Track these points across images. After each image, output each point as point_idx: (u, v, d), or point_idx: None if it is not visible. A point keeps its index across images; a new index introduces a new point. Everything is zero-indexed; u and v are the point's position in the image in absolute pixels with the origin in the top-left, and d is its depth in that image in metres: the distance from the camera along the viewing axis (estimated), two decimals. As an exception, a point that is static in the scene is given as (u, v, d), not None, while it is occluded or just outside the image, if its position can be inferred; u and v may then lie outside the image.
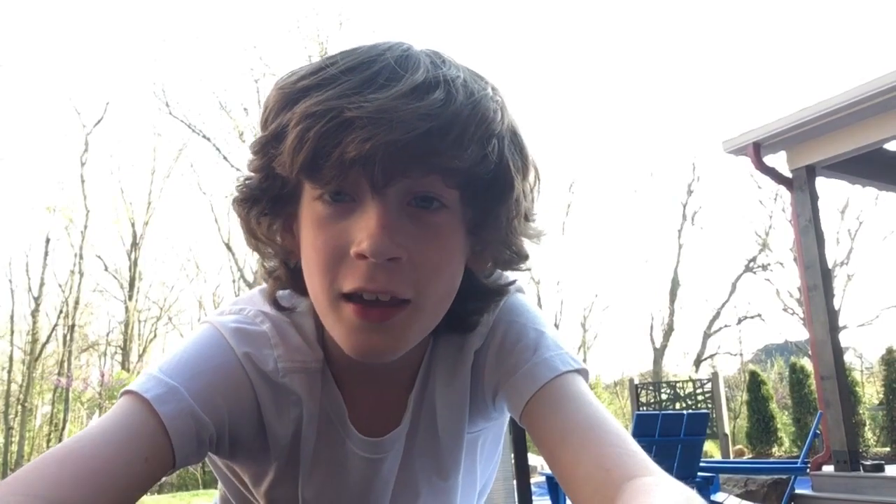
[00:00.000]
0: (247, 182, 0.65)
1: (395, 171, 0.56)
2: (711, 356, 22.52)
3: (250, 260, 22.77)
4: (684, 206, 22.26)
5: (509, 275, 0.76)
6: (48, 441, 18.31)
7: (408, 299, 0.59)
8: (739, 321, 22.12)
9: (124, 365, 19.79)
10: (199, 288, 23.89)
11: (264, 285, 0.73)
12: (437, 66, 0.59)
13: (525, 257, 0.69)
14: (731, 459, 11.00)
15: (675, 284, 22.39)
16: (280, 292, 0.71)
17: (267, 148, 0.60)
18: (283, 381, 0.68)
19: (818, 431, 5.80)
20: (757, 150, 5.80)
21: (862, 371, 14.09)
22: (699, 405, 12.28)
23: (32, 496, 0.51)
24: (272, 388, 0.68)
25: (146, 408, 0.60)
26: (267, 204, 0.65)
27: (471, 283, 0.69)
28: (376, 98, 0.55)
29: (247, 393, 0.67)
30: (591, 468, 0.58)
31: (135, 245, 21.17)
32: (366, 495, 0.74)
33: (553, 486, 5.01)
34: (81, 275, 19.80)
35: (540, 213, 0.68)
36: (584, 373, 0.70)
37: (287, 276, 0.69)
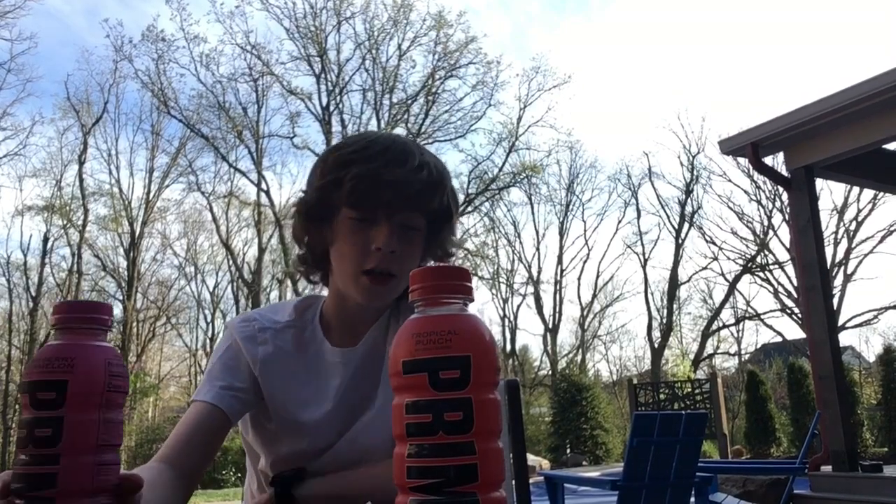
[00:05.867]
0: (306, 201, 1.14)
1: (401, 208, 1.09)
2: (710, 356, 22.55)
3: (249, 260, 22.75)
4: (683, 207, 22.29)
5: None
6: (47, 441, 18.27)
7: (395, 275, 1.10)
8: (738, 321, 22.16)
9: (123, 365, 19.73)
10: (198, 288, 23.90)
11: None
12: (423, 153, 1.12)
13: (451, 257, 1.23)
14: (730, 460, 11.01)
15: (674, 284, 22.40)
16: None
17: (328, 187, 1.09)
18: (260, 337, 1.17)
19: (816, 431, 5.81)
20: (755, 151, 5.80)
21: (860, 371, 14.10)
22: (698, 405, 12.30)
23: (161, 461, 1.01)
24: (252, 345, 1.16)
25: (199, 403, 1.11)
26: (318, 216, 1.14)
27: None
28: (399, 171, 1.07)
29: (241, 356, 1.16)
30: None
31: (133, 245, 21.15)
32: (341, 399, 1.17)
33: (552, 487, 5.01)
34: (80, 275, 19.80)
35: (459, 235, 1.26)
36: None
37: (310, 258, 1.18)
